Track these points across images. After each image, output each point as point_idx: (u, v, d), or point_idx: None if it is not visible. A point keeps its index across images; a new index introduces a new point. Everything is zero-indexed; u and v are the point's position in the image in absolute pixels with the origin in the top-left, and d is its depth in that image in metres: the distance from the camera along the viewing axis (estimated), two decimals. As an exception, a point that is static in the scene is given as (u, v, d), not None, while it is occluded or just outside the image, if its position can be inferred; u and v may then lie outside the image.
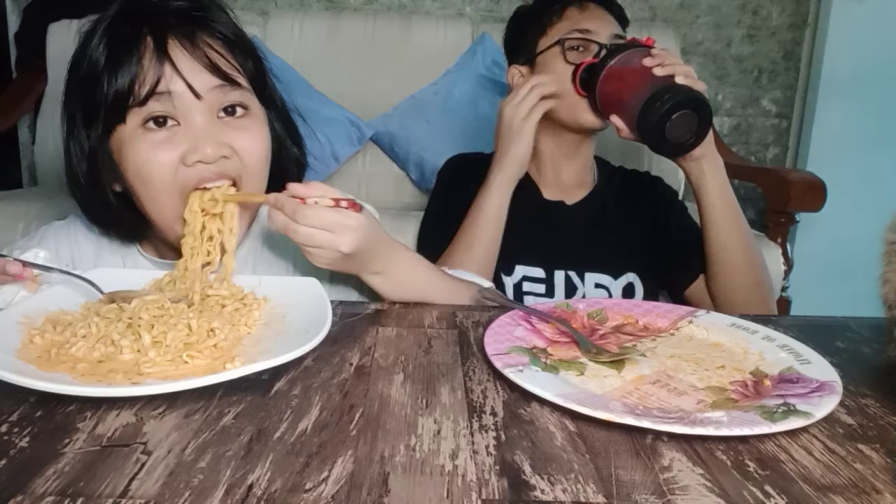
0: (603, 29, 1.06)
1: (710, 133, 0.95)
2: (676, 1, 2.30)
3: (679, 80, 0.92)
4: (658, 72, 0.92)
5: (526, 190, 1.10)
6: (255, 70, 0.76)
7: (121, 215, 0.76)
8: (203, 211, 0.71)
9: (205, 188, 0.71)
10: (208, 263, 0.72)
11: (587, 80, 1.02)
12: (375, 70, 2.06)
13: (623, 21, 1.12)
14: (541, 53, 1.09)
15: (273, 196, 0.68)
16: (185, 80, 0.69)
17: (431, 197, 1.24)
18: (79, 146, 0.74)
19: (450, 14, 2.29)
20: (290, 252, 0.85)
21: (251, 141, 0.74)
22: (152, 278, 0.73)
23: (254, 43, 0.79)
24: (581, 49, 1.05)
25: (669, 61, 0.93)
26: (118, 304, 0.64)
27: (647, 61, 0.93)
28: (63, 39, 2.10)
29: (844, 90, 2.28)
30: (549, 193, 1.13)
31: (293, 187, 0.67)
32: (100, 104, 0.70)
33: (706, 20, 2.33)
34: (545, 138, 1.11)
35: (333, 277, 0.84)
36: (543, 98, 1.02)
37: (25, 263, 0.67)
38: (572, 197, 1.14)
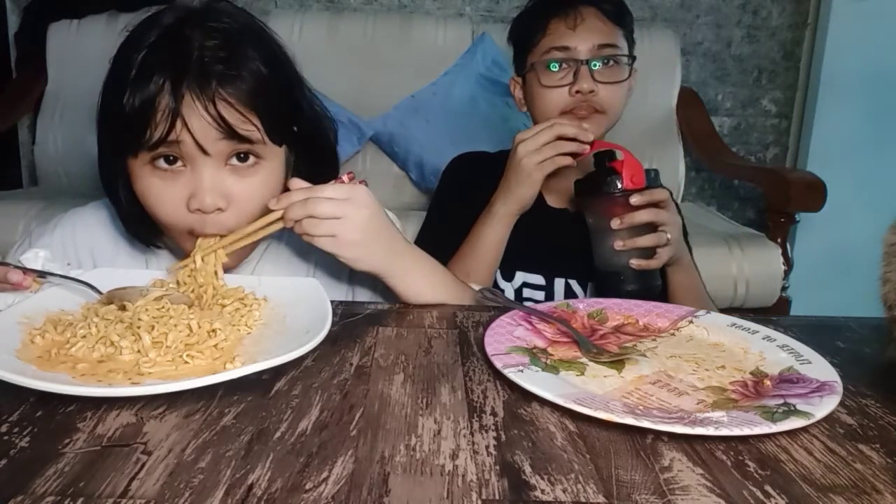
0: (584, 43, 1.01)
1: (679, 223, 0.97)
2: (676, 1, 2.30)
3: (634, 263, 0.92)
4: (618, 246, 0.91)
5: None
6: (277, 115, 0.73)
7: (136, 222, 0.77)
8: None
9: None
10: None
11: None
12: (375, 70, 2.06)
13: (621, 19, 1.06)
14: (527, 73, 1.07)
15: (282, 198, 0.71)
16: (193, 136, 0.68)
17: (434, 196, 1.23)
18: (104, 153, 0.76)
19: (450, 14, 2.29)
20: (304, 268, 0.86)
21: (251, 192, 0.73)
22: (152, 277, 0.73)
23: (286, 77, 0.76)
24: (563, 66, 1.02)
25: (639, 221, 0.90)
26: (116, 304, 0.64)
27: (615, 223, 0.91)
28: (63, 39, 2.10)
29: (844, 90, 2.28)
30: (553, 200, 1.12)
31: (295, 181, 0.72)
32: (116, 130, 0.71)
33: (706, 20, 2.33)
34: None
35: (353, 283, 0.85)
36: (561, 154, 0.97)
37: (26, 270, 0.67)
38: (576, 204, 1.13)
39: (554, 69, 1.02)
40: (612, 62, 1.02)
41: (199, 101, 0.68)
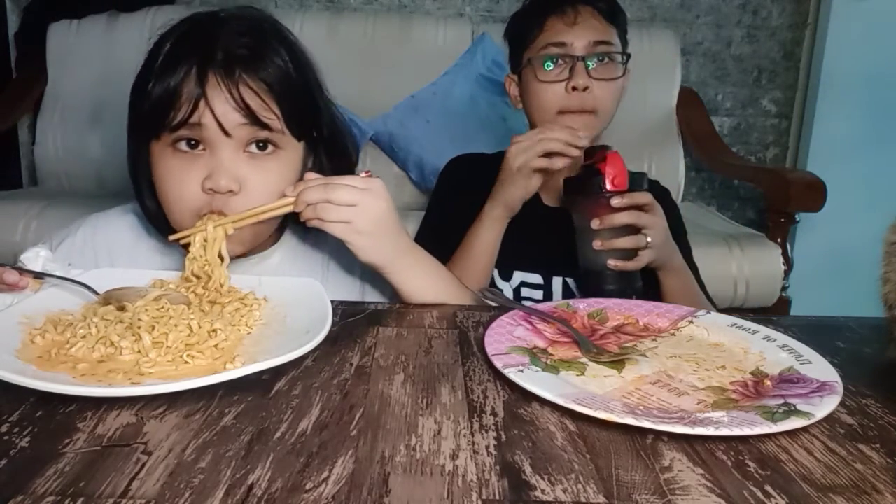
0: (580, 39, 1.01)
1: (665, 228, 0.96)
2: (676, 1, 2.30)
3: (612, 263, 0.92)
4: (596, 246, 0.92)
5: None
6: (298, 109, 0.76)
7: (156, 211, 0.79)
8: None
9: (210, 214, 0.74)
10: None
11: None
12: (375, 70, 2.06)
13: (615, 17, 1.06)
14: (523, 69, 1.07)
15: (299, 184, 0.73)
16: (217, 119, 0.71)
17: (431, 198, 1.23)
18: (131, 140, 0.78)
19: (450, 14, 2.29)
20: (320, 263, 0.86)
21: (266, 180, 0.75)
22: (152, 278, 0.73)
23: (308, 77, 0.78)
24: (559, 62, 1.02)
25: (618, 222, 0.91)
26: (114, 304, 0.64)
27: (595, 224, 0.92)
28: (63, 39, 2.10)
29: (844, 90, 2.27)
30: (549, 199, 1.12)
31: (311, 173, 0.75)
32: (142, 115, 0.74)
33: (706, 20, 2.33)
34: None
35: (364, 281, 0.86)
36: (550, 155, 0.96)
37: (23, 271, 0.67)
38: None
39: (549, 67, 1.03)
40: (606, 59, 1.03)
41: (223, 85, 0.71)
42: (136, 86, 0.75)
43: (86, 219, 0.87)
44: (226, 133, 0.71)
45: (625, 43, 1.07)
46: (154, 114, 0.72)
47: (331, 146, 0.82)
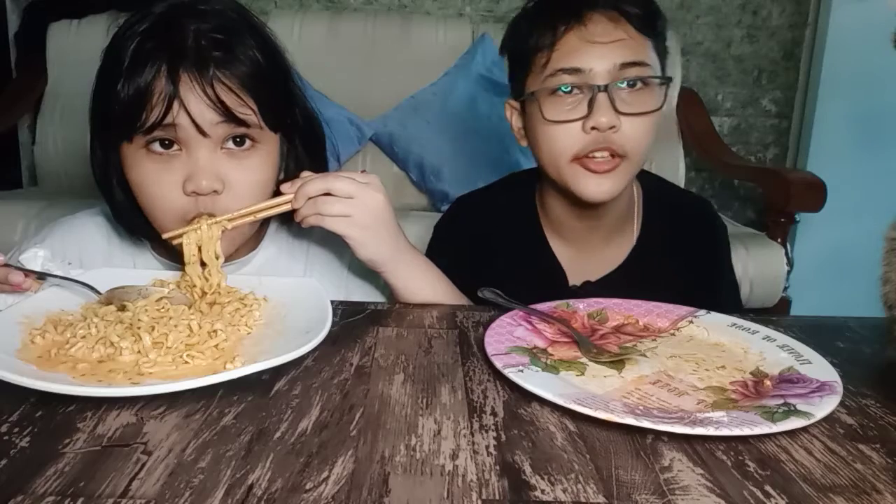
0: (602, 62, 0.78)
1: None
2: (676, 1, 2.30)
3: None
4: None
5: (552, 277, 0.91)
6: (273, 101, 0.74)
7: (129, 213, 0.77)
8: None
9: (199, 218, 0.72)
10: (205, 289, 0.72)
11: None
12: (375, 70, 2.06)
13: (652, 24, 0.81)
14: (526, 101, 0.84)
15: (296, 181, 0.73)
16: (192, 118, 0.68)
17: (431, 242, 1.00)
18: (96, 143, 0.76)
19: (450, 14, 2.29)
20: (302, 260, 0.86)
21: (247, 176, 0.73)
22: (153, 277, 0.73)
23: (280, 65, 0.76)
24: (573, 92, 0.79)
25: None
26: (115, 304, 0.64)
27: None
28: (63, 39, 2.11)
29: (844, 90, 2.27)
30: (574, 278, 0.91)
31: (307, 172, 0.74)
32: (110, 118, 0.71)
33: (706, 20, 2.33)
34: (556, 200, 0.90)
35: (351, 278, 0.86)
36: None
37: (27, 272, 0.67)
38: (602, 268, 0.90)
39: (559, 102, 0.80)
40: (639, 84, 0.79)
41: (197, 84, 0.68)
42: (99, 87, 0.72)
43: (53, 225, 0.84)
44: (202, 133, 0.69)
45: (663, 57, 0.84)
46: (125, 116, 0.69)
47: (306, 133, 0.81)
